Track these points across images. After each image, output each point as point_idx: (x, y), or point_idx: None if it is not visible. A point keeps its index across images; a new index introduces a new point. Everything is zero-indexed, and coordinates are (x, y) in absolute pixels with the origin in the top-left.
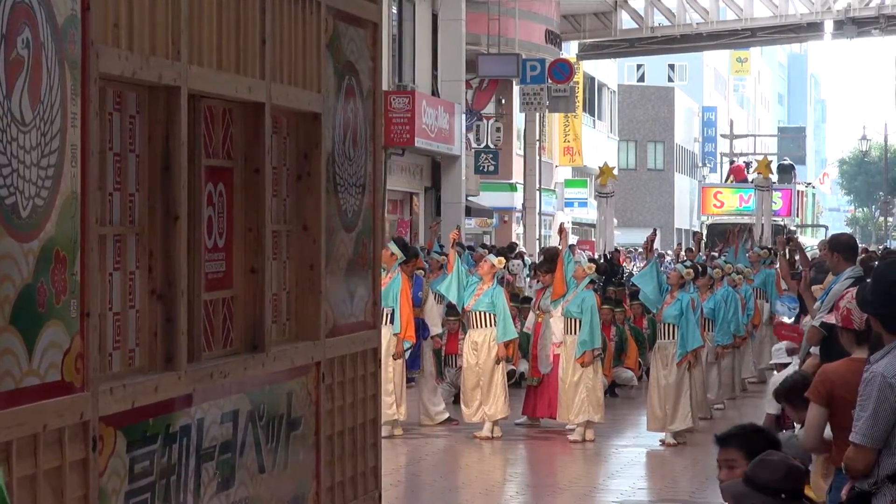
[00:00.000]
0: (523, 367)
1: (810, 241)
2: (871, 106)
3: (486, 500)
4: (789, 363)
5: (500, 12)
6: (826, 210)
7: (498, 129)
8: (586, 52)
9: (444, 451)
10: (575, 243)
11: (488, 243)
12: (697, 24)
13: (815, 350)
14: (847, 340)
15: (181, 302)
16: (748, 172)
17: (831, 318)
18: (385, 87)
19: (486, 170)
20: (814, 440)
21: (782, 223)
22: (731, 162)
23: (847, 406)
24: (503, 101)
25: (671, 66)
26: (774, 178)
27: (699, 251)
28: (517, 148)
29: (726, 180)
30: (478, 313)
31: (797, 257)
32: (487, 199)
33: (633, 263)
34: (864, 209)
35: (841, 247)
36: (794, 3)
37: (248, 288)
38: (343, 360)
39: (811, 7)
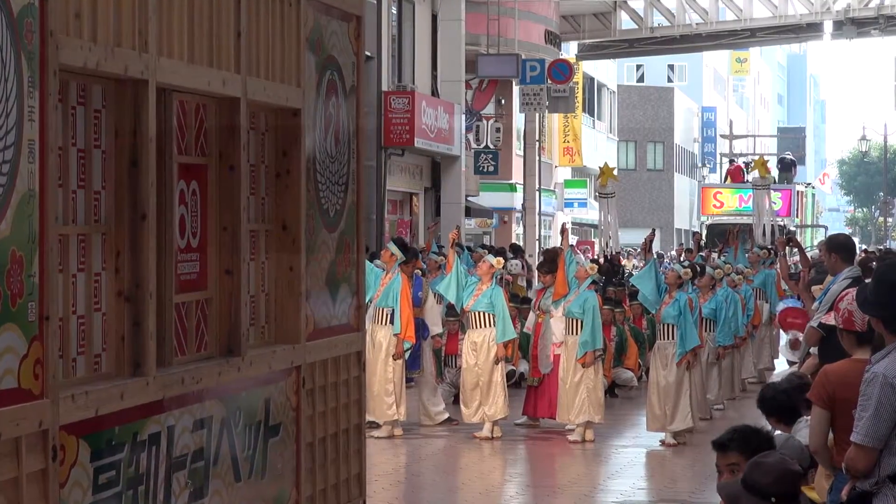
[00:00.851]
0: (523, 367)
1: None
2: (871, 106)
3: (485, 501)
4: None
5: (500, 13)
6: (826, 210)
7: (497, 130)
8: (586, 53)
9: (443, 452)
10: (574, 244)
11: (487, 243)
12: (697, 24)
13: (814, 350)
14: (848, 342)
15: (149, 304)
16: (747, 173)
17: (830, 319)
18: (385, 87)
19: (485, 170)
20: (819, 443)
21: (782, 223)
22: (731, 162)
23: (849, 408)
24: (503, 102)
25: (671, 67)
26: (774, 175)
27: (698, 252)
28: (517, 148)
29: (724, 181)
30: (477, 313)
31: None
32: (487, 199)
33: (632, 262)
34: (864, 209)
35: (838, 247)
36: (794, 4)
37: (223, 290)
38: (325, 363)
39: (811, 7)
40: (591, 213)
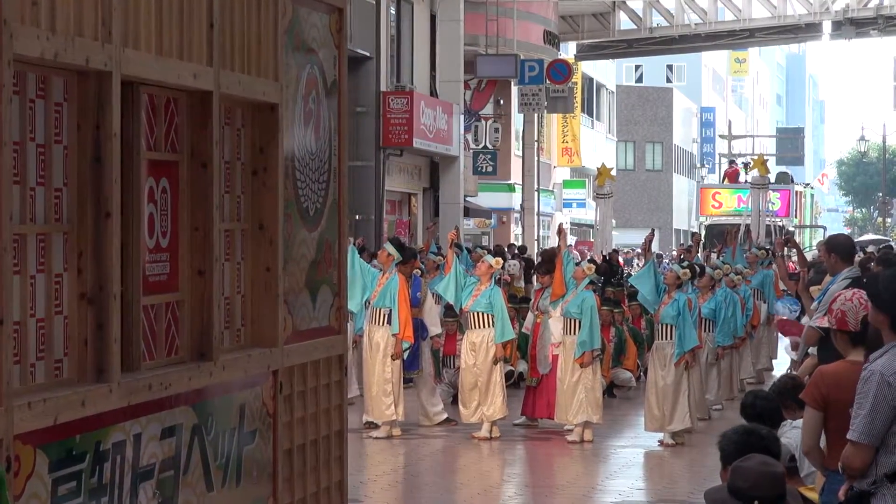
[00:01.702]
0: (522, 367)
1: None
2: (870, 106)
3: (484, 501)
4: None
5: (499, 13)
6: (825, 211)
7: (496, 130)
8: (584, 53)
9: (442, 452)
10: (573, 244)
11: (485, 244)
12: (696, 24)
13: (812, 351)
14: (842, 342)
15: (113, 306)
16: (746, 173)
17: (825, 323)
18: (383, 87)
19: (484, 170)
20: (811, 444)
21: (780, 224)
22: (731, 164)
23: (843, 409)
24: (501, 102)
25: (669, 67)
26: (772, 176)
27: (697, 252)
28: (515, 148)
29: (722, 183)
30: (476, 314)
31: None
32: (486, 199)
33: (630, 268)
34: (863, 210)
35: (838, 248)
36: (793, 4)
37: (195, 291)
38: (304, 368)
39: (809, 8)
40: (590, 214)
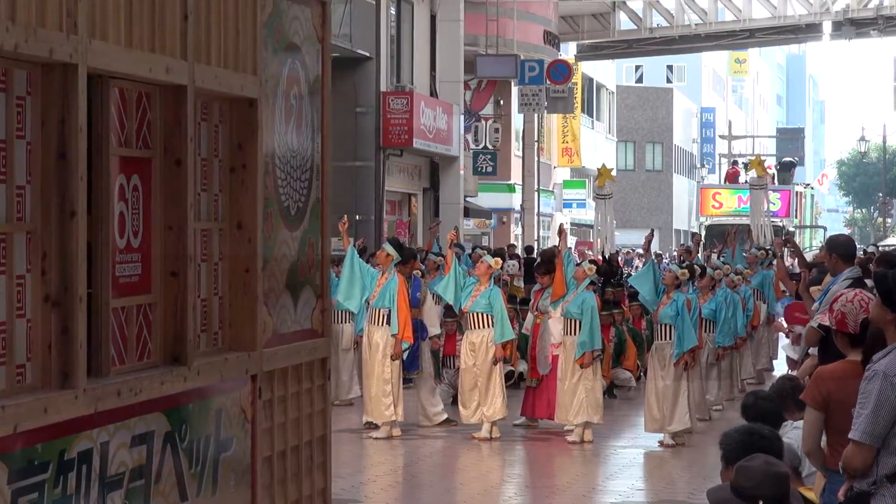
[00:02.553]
0: (522, 367)
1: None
2: (870, 107)
3: (484, 501)
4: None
5: (499, 13)
6: (825, 211)
7: (496, 130)
8: (585, 53)
9: (442, 452)
10: (573, 245)
11: (485, 244)
12: (696, 25)
13: (812, 351)
14: (842, 343)
15: (79, 309)
16: (746, 173)
17: (825, 319)
18: (383, 87)
19: (484, 171)
20: (812, 445)
21: (780, 224)
22: (734, 163)
23: (843, 409)
24: (501, 102)
25: (669, 67)
26: (773, 174)
27: (698, 253)
28: (515, 149)
29: (722, 183)
30: (475, 314)
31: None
32: (486, 200)
33: (630, 268)
34: (863, 210)
35: (839, 248)
36: (793, 4)
37: (169, 293)
38: (284, 372)
39: (809, 8)
40: (590, 214)
